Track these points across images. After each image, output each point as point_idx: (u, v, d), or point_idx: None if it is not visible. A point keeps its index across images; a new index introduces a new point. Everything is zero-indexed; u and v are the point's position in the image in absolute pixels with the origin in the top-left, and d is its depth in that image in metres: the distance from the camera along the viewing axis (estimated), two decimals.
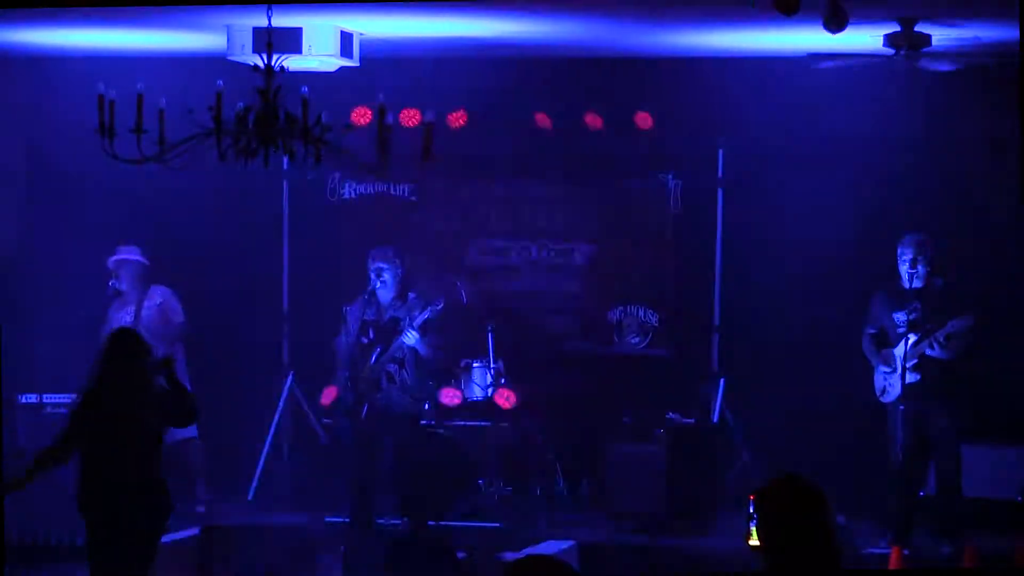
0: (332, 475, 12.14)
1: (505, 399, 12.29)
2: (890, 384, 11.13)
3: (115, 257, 12.24)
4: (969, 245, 11.94)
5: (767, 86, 12.27)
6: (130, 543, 8.31)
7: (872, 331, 11.31)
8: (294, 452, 13.18)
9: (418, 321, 11.06)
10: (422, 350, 11.16)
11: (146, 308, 12.22)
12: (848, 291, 11.82)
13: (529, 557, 4.95)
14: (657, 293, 13.04)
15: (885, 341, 11.22)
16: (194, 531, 10.75)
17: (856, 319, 11.42)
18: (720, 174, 12.91)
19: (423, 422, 11.93)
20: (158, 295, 12.27)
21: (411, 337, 11.03)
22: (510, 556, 10.54)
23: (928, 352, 10.94)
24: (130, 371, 8.40)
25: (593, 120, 12.75)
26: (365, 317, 11.20)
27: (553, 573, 4.83)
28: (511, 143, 12.89)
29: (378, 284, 11.21)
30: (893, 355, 11.12)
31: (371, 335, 11.17)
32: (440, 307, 11.24)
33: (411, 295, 11.34)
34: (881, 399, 11.22)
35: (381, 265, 11.20)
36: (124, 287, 12.20)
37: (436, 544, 10.31)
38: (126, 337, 8.66)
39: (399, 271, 11.29)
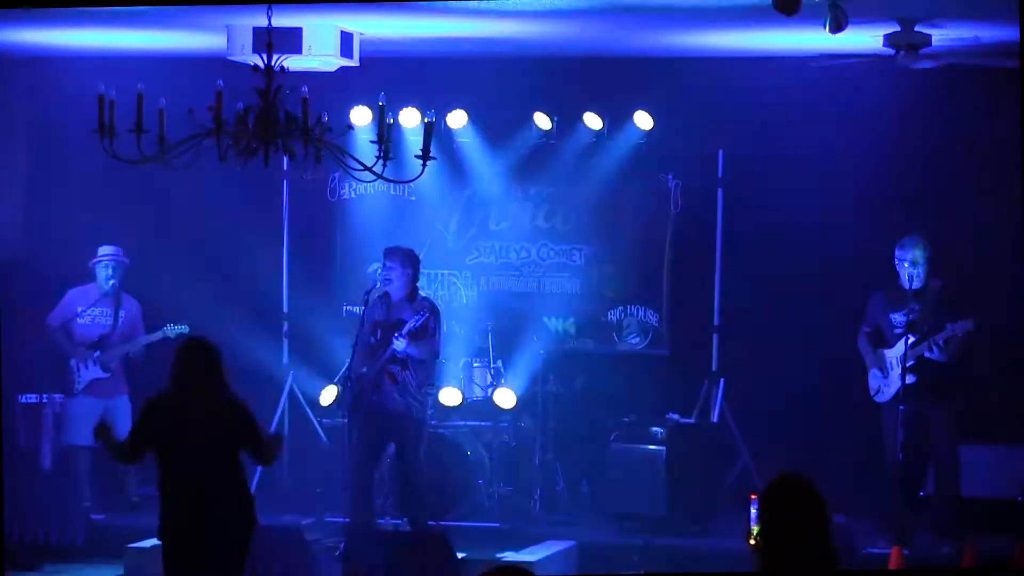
0: (332, 475, 12.14)
1: (505, 399, 12.29)
2: (884, 384, 11.14)
3: (108, 258, 12.18)
4: (969, 246, 11.94)
5: (767, 86, 12.27)
6: (211, 558, 8.23)
7: (868, 330, 11.32)
8: (294, 452, 13.18)
9: (405, 330, 11.02)
10: (416, 354, 11.15)
11: (122, 317, 12.23)
12: (848, 291, 11.82)
13: (499, 567, 4.94)
14: (657, 293, 13.03)
15: (881, 341, 11.22)
16: None
17: (856, 319, 11.42)
18: (720, 174, 12.91)
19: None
20: (130, 307, 12.28)
21: (400, 343, 11.01)
22: (510, 556, 10.55)
23: (927, 355, 10.95)
24: (210, 384, 8.33)
25: (593, 120, 12.74)
26: (377, 317, 11.18)
27: None
28: (511, 143, 12.88)
29: (380, 283, 11.20)
30: (886, 358, 11.13)
31: (378, 335, 11.15)
32: (423, 318, 11.12)
33: (420, 297, 11.29)
34: (875, 399, 11.23)
35: (386, 263, 11.18)
36: (108, 289, 12.18)
37: (436, 544, 10.30)
38: (205, 349, 8.53)
39: (409, 272, 11.21)
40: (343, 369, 11.45)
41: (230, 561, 8.24)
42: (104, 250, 12.23)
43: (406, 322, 11.07)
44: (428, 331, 11.09)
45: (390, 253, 11.26)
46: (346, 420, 11.32)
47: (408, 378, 11.12)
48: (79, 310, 12.19)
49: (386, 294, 11.21)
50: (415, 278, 11.25)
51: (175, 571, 8.23)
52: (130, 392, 12.05)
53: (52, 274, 12.75)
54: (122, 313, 12.23)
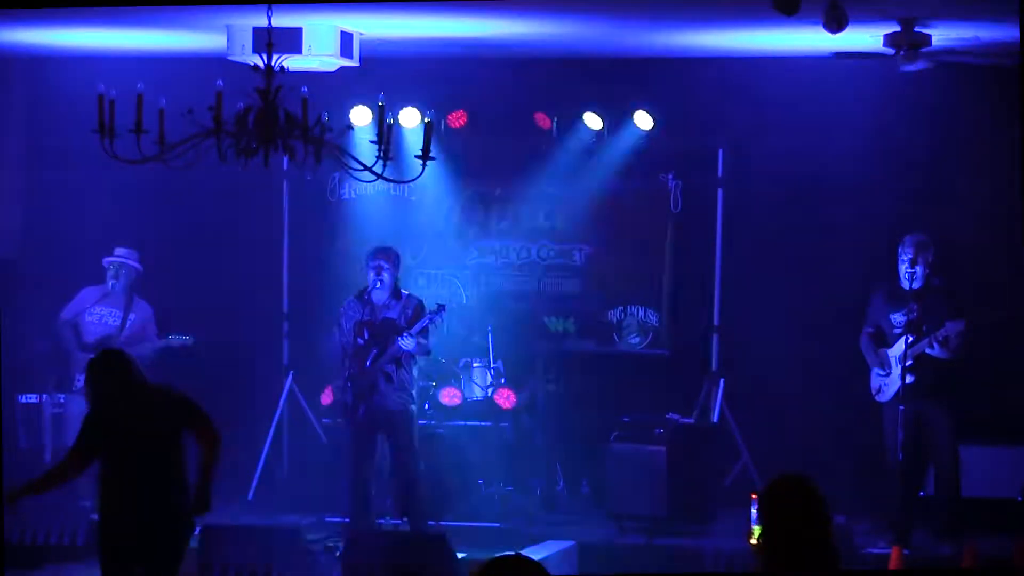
0: (332, 475, 12.15)
1: (505, 399, 12.29)
2: (885, 384, 11.14)
3: (114, 259, 12.22)
4: (969, 246, 11.94)
5: (767, 86, 12.26)
6: (151, 561, 8.24)
7: (870, 330, 11.32)
8: (294, 452, 13.19)
9: (416, 328, 11.08)
10: (417, 352, 11.23)
11: (131, 320, 12.22)
12: (848, 291, 11.82)
13: (503, 556, 4.92)
14: (657, 293, 13.03)
15: (882, 341, 11.22)
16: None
17: (856, 319, 11.42)
18: (720, 174, 12.92)
19: (422, 422, 11.93)
20: (142, 310, 12.27)
21: (409, 343, 11.06)
22: None
23: (928, 351, 10.94)
24: (124, 390, 8.29)
25: (593, 120, 12.75)
26: (361, 317, 11.19)
27: (525, 572, 4.81)
28: (511, 143, 12.89)
29: (378, 284, 11.22)
30: (888, 356, 11.12)
31: (366, 335, 11.17)
32: (442, 317, 11.25)
33: (404, 294, 11.36)
34: (876, 398, 11.23)
35: (382, 264, 11.21)
36: (120, 289, 12.20)
37: (436, 544, 10.30)
38: (110, 358, 8.52)
39: (396, 272, 11.31)
40: (338, 371, 11.46)
41: (167, 558, 8.25)
42: (117, 251, 12.25)
43: (394, 319, 11.13)
44: (433, 330, 11.24)
45: (383, 253, 11.29)
46: (345, 422, 11.33)
47: (403, 376, 11.18)
48: (88, 307, 12.20)
49: (363, 294, 11.24)
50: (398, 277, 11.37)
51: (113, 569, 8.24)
52: None
53: (52, 274, 12.75)
54: (131, 316, 12.23)
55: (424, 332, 11.17)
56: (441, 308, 11.32)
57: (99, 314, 12.23)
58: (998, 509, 11.54)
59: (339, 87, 11.30)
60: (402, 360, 11.15)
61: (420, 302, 11.36)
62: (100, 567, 8.31)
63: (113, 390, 8.22)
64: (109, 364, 8.32)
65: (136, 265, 12.25)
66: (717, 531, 11.60)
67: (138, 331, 12.23)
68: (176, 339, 12.08)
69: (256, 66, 8.55)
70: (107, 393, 8.22)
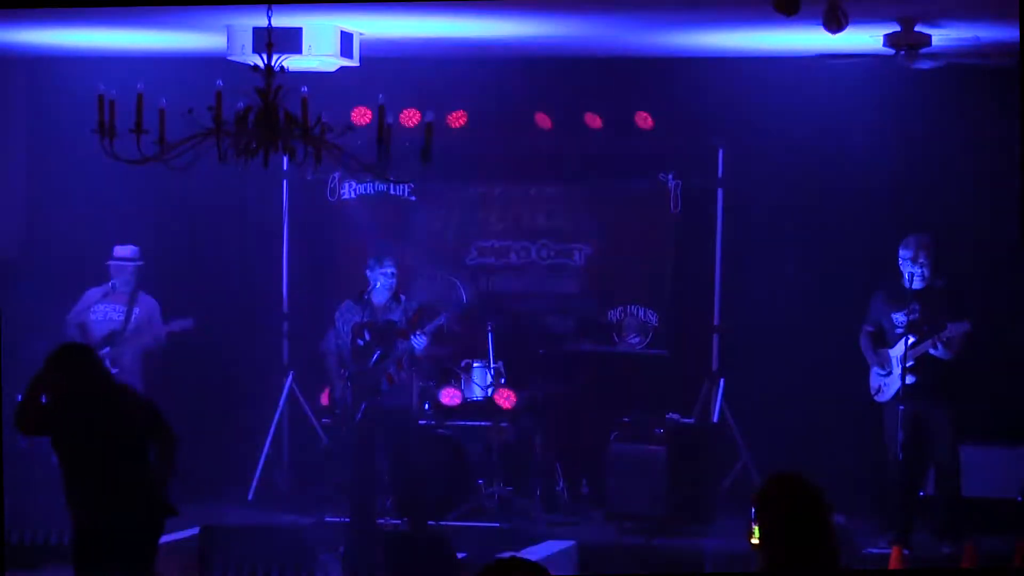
0: (332, 475, 12.15)
1: (505, 399, 12.29)
2: (885, 384, 11.15)
3: (115, 261, 12.22)
4: (969, 246, 11.94)
5: (767, 86, 12.27)
6: (120, 554, 8.24)
7: (870, 329, 11.32)
8: (294, 452, 13.19)
9: (430, 328, 11.13)
10: (423, 352, 11.26)
11: (136, 314, 12.23)
12: (848, 291, 11.82)
13: (503, 560, 4.92)
14: (657, 293, 13.03)
15: (883, 340, 11.23)
16: (194, 531, 10.75)
17: (856, 319, 11.43)
18: (720, 174, 12.92)
19: (422, 422, 11.94)
20: (146, 304, 12.27)
21: (421, 340, 11.10)
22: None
23: (931, 352, 10.94)
24: (94, 383, 8.27)
25: (593, 120, 12.75)
26: (361, 319, 11.19)
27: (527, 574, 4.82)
28: (511, 143, 12.89)
29: (378, 284, 11.24)
30: (889, 357, 11.13)
31: (367, 337, 11.18)
32: (445, 318, 11.29)
33: (402, 297, 11.38)
34: (876, 398, 11.24)
35: (387, 265, 11.24)
36: (121, 287, 12.21)
37: (436, 544, 10.31)
38: (78, 350, 8.52)
39: (398, 273, 11.35)
40: (336, 372, 11.46)
41: (143, 553, 8.26)
42: (118, 251, 12.26)
43: (396, 322, 11.15)
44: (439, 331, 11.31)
45: (387, 255, 11.30)
46: (345, 422, 11.34)
47: (404, 377, 11.19)
48: (91, 307, 12.22)
49: (362, 295, 11.26)
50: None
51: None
52: (144, 390, 12.03)
53: (52, 274, 12.75)
54: (136, 311, 12.23)
55: (433, 331, 11.24)
56: (457, 309, 11.38)
57: (103, 311, 12.24)
58: (998, 509, 11.54)
59: (339, 87, 11.30)
60: (403, 361, 11.16)
61: (420, 304, 11.38)
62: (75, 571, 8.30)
63: (82, 384, 8.19)
64: (80, 357, 8.32)
65: (138, 262, 12.26)
66: (717, 531, 11.60)
67: (144, 324, 12.24)
68: (177, 324, 12.11)
69: (256, 66, 8.55)
70: (76, 387, 8.20)
